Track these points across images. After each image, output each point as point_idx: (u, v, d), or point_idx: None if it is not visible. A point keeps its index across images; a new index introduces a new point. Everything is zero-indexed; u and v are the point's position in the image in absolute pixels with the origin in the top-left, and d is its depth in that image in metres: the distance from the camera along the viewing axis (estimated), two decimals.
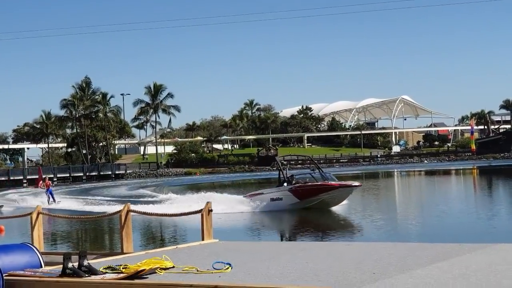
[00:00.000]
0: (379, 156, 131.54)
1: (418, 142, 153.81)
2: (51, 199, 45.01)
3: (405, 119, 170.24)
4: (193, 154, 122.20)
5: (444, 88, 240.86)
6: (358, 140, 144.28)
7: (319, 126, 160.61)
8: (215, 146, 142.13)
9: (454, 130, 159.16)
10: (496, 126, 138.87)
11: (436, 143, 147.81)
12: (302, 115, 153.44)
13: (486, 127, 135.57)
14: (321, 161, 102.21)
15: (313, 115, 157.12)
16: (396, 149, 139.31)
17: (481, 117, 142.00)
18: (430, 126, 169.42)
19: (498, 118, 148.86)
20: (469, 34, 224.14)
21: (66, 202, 45.17)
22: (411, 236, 20.64)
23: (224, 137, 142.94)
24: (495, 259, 7.07)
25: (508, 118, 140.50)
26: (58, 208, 39.95)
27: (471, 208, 30.78)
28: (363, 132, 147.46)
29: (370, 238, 20.07)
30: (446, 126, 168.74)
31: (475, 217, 26.31)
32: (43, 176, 62.13)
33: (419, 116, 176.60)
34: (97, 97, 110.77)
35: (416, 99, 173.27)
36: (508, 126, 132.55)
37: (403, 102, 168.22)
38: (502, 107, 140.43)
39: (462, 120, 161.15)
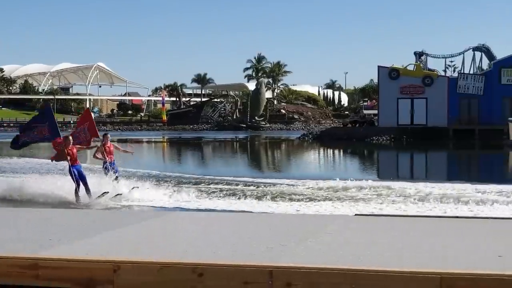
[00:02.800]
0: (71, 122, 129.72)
1: (112, 110, 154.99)
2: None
3: (100, 87, 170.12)
4: None
5: (140, 58, 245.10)
6: (52, 104, 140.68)
7: (10, 88, 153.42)
8: None
9: (148, 100, 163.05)
10: (188, 99, 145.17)
11: (130, 112, 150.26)
12: None
13: (178, 99, 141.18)
14: None
15: (4, 76, 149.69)
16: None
17: (174, 89, 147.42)
18: (125, 95, 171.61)
19: (190, 91, 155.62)
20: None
21: None
22: None
23: None
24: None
25: (199, 91, 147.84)
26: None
27: None
28: (57, 97, 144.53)
29: None
30: (140, 96, 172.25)
31: None
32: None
33: (114, 84, 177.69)
34: None
35: (112, 67, 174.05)
36: (198, 99, 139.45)
37: (98, 69, 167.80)
38: (193, 80, 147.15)
39: (156, 91, 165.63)
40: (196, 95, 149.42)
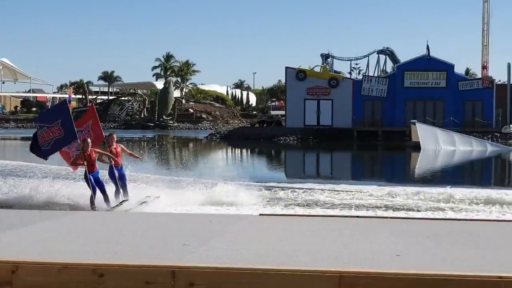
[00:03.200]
0: None
1: (16, 107, 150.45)
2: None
3: (3, 83, 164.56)
4: None
5: (45, 55, 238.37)
6: None
7: None
8: None
9: (53, 97, 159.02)
10: (94, 97, 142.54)
11: (34, 109, 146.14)
12: None
13: (84, 96, 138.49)
14: None
15: None
16: None
17: (80, 87, 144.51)
18: (29, 91, 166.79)
19: (97, 89, 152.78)
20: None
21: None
22: None
23: None
24: None
25: (106, 89, 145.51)
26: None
27: None
28: None
29: None
30: (45, 93, 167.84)
31: None
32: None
33: (18, 80, 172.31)
34: None
35: (17, 63, 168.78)
36: (105, 97, 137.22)
37: (2, 65, 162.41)
38: (100, 78, 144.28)
39: (61, 88, 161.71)
40: (103, 93, 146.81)
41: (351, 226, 7.51)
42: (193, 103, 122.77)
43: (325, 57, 73.66)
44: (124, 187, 16.00)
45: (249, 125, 74.78)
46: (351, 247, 6.01)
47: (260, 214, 8.64)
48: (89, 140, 15.35)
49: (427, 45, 61.34)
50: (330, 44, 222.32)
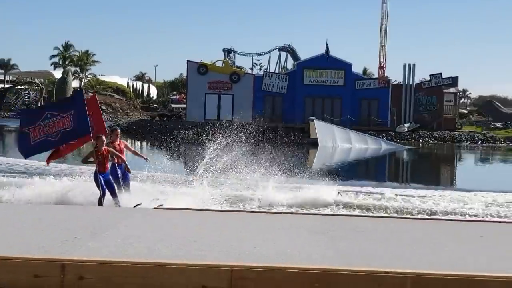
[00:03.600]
0: None
1: None
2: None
3: None
4: None
5: None
6: None
7: None
8: None
9: None
10: None
11: None
12: None
13: None
14: None
15: None
16: None
17: None
18: None
19: None
20: None
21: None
22: None
23: None
24: None
25: (2, 77, 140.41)
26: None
27: None
28: None
29: None
30: None
31: None
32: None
33: None
34: None
35: None
36: (1, 85, 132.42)
37: None
38: None
39: None
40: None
41: (247, 221, 7.58)
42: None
43: (227, 52, 73.84)
44: (127, 188, 14.61)
45: (150, 118, 74.06)
46: (245, 242, 6.06)
47: (155, 208, 8.60)
48: (103, 137, 13.96)
49: (327, 44, 62.61)
50: (233, 39, 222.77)
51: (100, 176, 13.68)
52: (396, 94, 62.15)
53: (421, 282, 4.95)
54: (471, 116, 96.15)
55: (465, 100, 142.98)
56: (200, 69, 63.27)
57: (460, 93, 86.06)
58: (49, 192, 15.48)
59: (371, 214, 13.32)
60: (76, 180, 17.07)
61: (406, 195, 17.53)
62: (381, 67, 65.28)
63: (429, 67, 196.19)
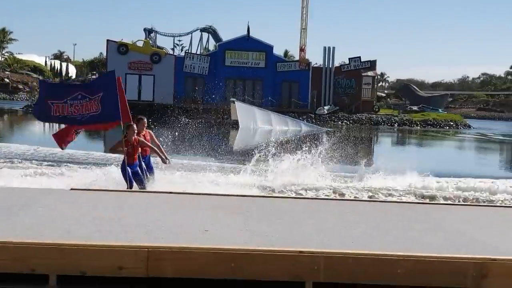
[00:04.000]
0: None
1: None
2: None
3: None
4: None
5: None
6: None
7: None
8: None
9: None
10: None
11: None
12: None
13: None
14: None
15: None
16: None
17: None
18: None
19: None
20: None
21: None
22: None
23: None
24: None
25: None
26: None
27: None
28: None
29: None
30: None
31: None
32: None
33: None
34: None
35: None
36: None
37: None
38: None
39: None
40: None
41: (166, 201, 7.60)
42: (9, 73, 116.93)
43: (148, 32, 73.06)
44: (152, 180, 13.21)
45: None
46: (162, 222, 6.11)
47: (71, 189, 8.51)
48: (135, 126, 12.72)
49: (248, 26, 62.75)
50: (154, 19, 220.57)
51: (128, 168, 12.54)
52: (316, 76, 63.00)
53: (333, 261, 5.12)
54: (388, 99, 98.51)
55: (383, 84, 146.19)
56: (120, 48, 62.38)
57: (378, 77, 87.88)
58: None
59: (288, 195, 13.55)
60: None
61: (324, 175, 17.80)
62: (301, 50, 65.91)
63: (349, 50, 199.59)
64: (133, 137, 12.63)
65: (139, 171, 12.77)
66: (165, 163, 13.57)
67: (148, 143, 13.14)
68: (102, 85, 12.33)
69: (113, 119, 12.14)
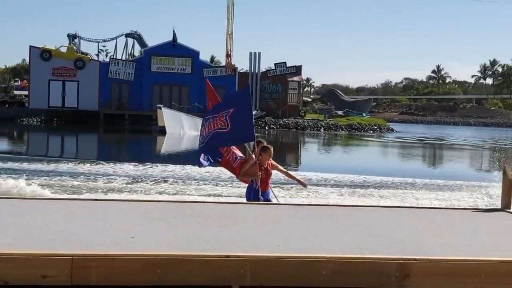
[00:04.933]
0: None
1: None
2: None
3: None
4: None
5: None
6: None
7: None
8: None
9: None
10: None
11: None
12: None
13: None
14: None
15: None
16: None
17: None
18: None
19: None
20: None
21: None
22: None
23: None
24: None
25: None
26: None
27: None
28: None
29: None
30: None
31: None
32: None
33: None
34: None
35: None
36: None
37: None
38: None
39: None
40: None
41: (90, 208, 7.53)
42: None
43: (72, 37, 71.86)
44: None
45: None
46: (86, 229, 6.05)
47: None
48: (271, 148, 11.08)
49: (174, 32, 62.61)
50: (78, 24, 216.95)
51: (261, 198, 10.69)
52: (243, 82, 63.27)
53: (259, 265, 5.18)
54: (314, 104, 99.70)
55: (309, 89, 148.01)
56: (43, 54, 61.20)
57: (304, 82, 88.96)
58: None
59: (212, 200, 13.60)
60: None
61: None
62: (228, 55, 66.16)
63: (275, 56, 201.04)
64: (268, 161, 11.00)
65: (272, 201, 11.04)
66: (306, 187, 12.45)
67: (284, 170, 11.75)
68: (233, 101, 11.10)
69: (244, 140, 10.99)
